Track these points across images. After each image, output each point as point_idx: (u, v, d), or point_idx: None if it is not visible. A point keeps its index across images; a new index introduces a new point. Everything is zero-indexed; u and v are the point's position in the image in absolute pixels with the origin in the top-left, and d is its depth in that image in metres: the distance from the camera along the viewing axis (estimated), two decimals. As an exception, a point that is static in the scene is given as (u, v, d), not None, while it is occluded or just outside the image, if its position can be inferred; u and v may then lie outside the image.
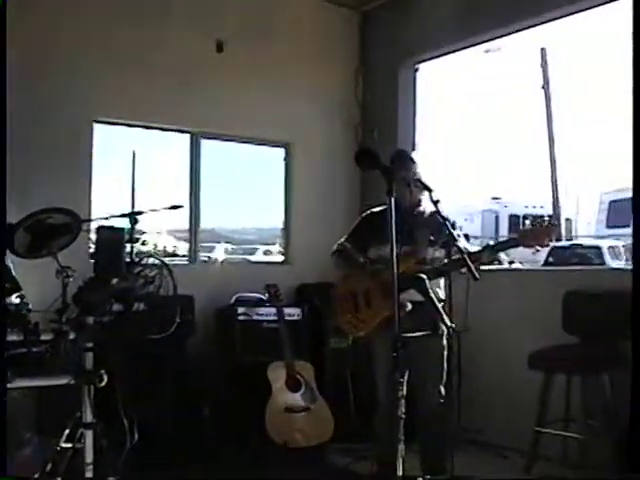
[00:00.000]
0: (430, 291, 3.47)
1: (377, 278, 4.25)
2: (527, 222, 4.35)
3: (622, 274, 6.62)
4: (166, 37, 6.77)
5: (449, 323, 3.53)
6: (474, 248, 4.39)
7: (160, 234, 10.77)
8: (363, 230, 4.56)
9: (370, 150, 3.36)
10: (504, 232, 22.83)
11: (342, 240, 4.64)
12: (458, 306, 4.35)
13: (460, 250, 3.93)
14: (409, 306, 4.01)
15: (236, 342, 6.56)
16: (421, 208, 4.48)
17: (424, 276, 3.52)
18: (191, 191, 7.14)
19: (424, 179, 4.29)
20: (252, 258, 11.04)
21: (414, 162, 4.39)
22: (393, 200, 3.24)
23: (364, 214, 4.65)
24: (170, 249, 10.52)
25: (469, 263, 3.78)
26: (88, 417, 4.24)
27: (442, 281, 4.41)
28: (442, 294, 4.36)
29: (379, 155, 3.29)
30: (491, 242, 4.37)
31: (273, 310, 6.40)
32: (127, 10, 6.55)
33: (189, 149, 7.16)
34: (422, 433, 4.47)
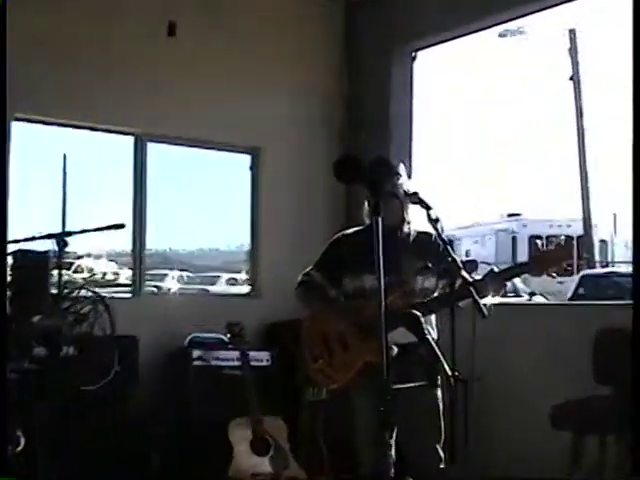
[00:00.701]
0: (426, 331, 3.46)
1: (354, 316, 4.24)
2: (538, 242, 4.38)
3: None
4: (105, 17, 6.77)
5: (450, 371, 3.51)
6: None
7: (99, 259, 10.75)
8: (334, 257, 4.54)
9: (352, 159, 3.34)
10: (524, 257, 22.85)
11: (309, 269, 4.63)
12: (463, 350, 4.32)
13: (466, 281, 3.92)
14: (395, 350, 3.98)
15: (190, 394, 6.54)
16: (406, 228, 4.48)
17: (417, 312, 3.51)
18: (135, 206, 7.13)
19: (419, 193, 4.28)
20: (213, 289, 11.05)
21: (397, 173, 4.39)
22: (380, 220, 3.22)
23: (334, 237, 4.64)
24: (111, 277, 10.49)
25: (476, 296, 3.77)
26: (7, 433, 4.17)
27: (434, 318, 4.41)
28: (435, 334, 4.36)
29: (363, 165, 3.28)
30: (495, 268, 4.36)
31: (236, 354, 6.39)
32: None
33: (133, 155, 7.15)
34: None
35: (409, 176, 4.54)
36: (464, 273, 4.10)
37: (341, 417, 4.68)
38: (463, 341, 4.03)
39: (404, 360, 3.91)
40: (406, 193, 4.30)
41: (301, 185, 7.82)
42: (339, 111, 8.04)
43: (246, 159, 7.82)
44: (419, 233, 4.38)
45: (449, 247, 4.03)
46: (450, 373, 3.52)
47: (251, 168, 7.82)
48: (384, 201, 4.06)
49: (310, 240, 7.40)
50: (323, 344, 4.37)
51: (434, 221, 4.10)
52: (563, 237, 4.18)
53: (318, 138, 7.88)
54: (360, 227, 4.48)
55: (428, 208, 4.17)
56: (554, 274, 4.08)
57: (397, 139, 7.65)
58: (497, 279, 4.16)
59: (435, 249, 4.19)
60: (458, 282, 3.96)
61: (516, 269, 4.35)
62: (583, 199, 21.50)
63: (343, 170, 3.34)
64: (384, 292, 3.98)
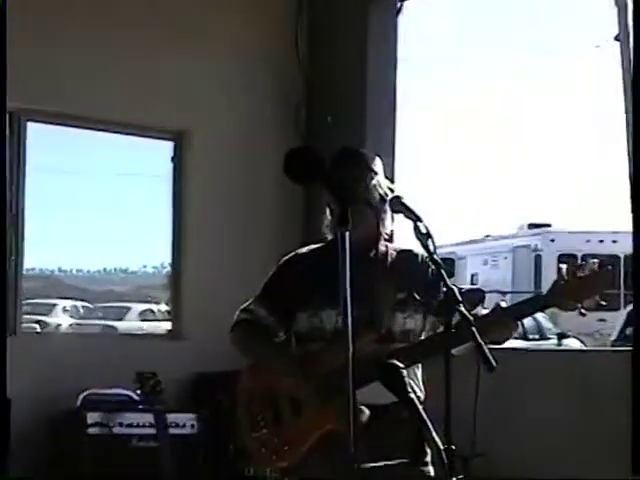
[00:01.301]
0: (409, 387, 3.46)
1: (310, 367, 4.22)
2: (562, 267, 4.33)
3: None
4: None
5: (441, 444, 3.52)
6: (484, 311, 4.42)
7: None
8: (284, 285, 4.51)
9: (309, 151, 3.34)
10: (549, 280, 22.94)
11: (249, 303, 4.60)
12: (461, 414, 4.34)
13: (466, 318, 3.92)
14: (366, 414, 3.99)
15: (83, 473, 6.51)
16: (383, 246, 4.47)
17: (397, 363, 3.50)
18: (10, 207, 7.09)
19: (403, 198, 4.28)
20: (120, 325, 11.04)
21: (372, 170, 4.37)
22: (347, 235, 3.22)
23: (285, 259, 4.61)
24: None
25: (480, 340, 3.78)
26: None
27: (420, 371, 4.42)
28: (421, 392, 4.37)
29: (324, 158, 3.27)
30: (503, 303, 4.36)
31: (150, 417, 6.35)
32: None
33: (8, 137, 7.12)
34: None
35: (389, 175, 4.54)
36: (463, 308, 4.12)
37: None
38: (461, 402, 4.06)
39: (379, 428, 3.93)
40: (383, 198, 4.29)
41: (242, 184, 7.87)
42: (294, 85, 8.09)
43: (168, 147, 7.88)
44: (401, 252, 4.34)
45: (443, 271, 4.03)
46: (442, 446, 3.53)
47: (173, 159, 7.87)
48: (353, 209, 4.04)
49: (253, 260, 7.48)
50: (268, 407, 4.36)
51: (424, 236, 4.08)
52: (596, 260, 4.15)
53: (265, 122, 7.95)
54: (320, 244, 4.47)
55: (416, 219, 4.16)
56: (583, 310, 4.07)
57: (375, 123, 7.69)
58: (507, 316, 4.16)
59: (423, 274, 4.17)
60: (455, 320, 3.95)
61: (533, 303, 4.29)
62: (634, 204, 21.64)
63: (298, 166, 3.32)
64: (352, 334, 4.05)
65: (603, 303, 4.09)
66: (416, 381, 4.34)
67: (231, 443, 6.52)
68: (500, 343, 4.13)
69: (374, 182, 4.33)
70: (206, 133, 7.81)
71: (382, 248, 4.41)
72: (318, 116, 7.96)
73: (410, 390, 3.51)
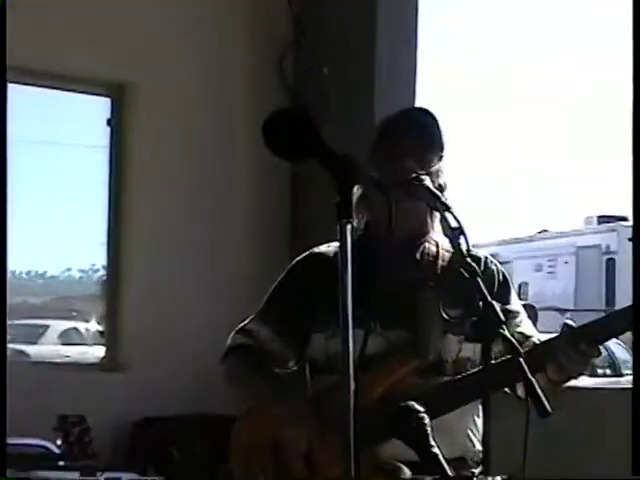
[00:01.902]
0: (432, 441, 3.49)
1: (328, 411, 4.23)
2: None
3: None
4: None
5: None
6: (547, 336, 4.44)
7: None
8: (295, 298, 4.53)
9: (295, 112, 3.38)
10: (627, 291, 23.00)
11: (248, 322, 4.62)
12: (505, 468, 4.40)
13: (513, 346, 3.96)
14: (407, 473, 4.04)
15: None
16: (432, 247, 4.48)
17: (416, 405, 3.53)
18: None
19: (430, 183, 4.29)
20: (35, 351, 11.09)
21: (441, 146, 4.36)
22: (353, 229, 3.26)
23: (298, 259, 4.61)
24: None
25: (531, 378, 3.83)
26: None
27: (480, 409, 4.44)
28: (477, 441, 4.40)
29: (317, 123, 3.30)
30: (572, 322, 4.39)
31: (76, 476, 6.41)
32: None
33: None
34: None
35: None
36: (507, 331, 4.14)
37: None
38: (505, 453, 4.11)
39: None
40: (417, 183, 4.31)
41: (206, 157, 7.90)
42: (279, 24, 8.13)
43: (102, 105, 7.93)
44: (454, 259, 4.30)
45: (480, 280, 4.06)
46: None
47: (109, 122, 7.92)
48: (382, 195, 4.09)
49: (224, 261, 7.52)
50: (274, 462, 4.41)
51: (455, 231, 4.13)
52: None
53: (240, 72, 8.03)
54: (356, 236, 4.42)
55: (445, 208, 4.20)
56: None
57: (388, 81, 7.68)
58: (578, 341, 4.19)
59: (487, 285, 4.16)
60: (496, 349, 3.98)
61: (617, 321, 4.33)
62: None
63: (284, 135, 3.37)
64: (390, 361, 4.15)
65: None
66: (474, 420, 4.38)
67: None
68: (571, 379, 4.19)
69: (429, 161, 4.31)
70: (156, 87, 7.86)
71: (432, 248, 4.42)
72: (310, 66, 7.97)
73: (432, 443, 3.56)
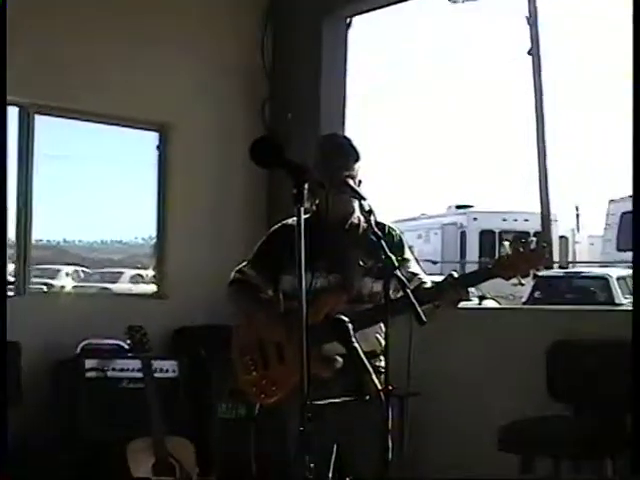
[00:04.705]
0: (354, 340, 3.45)
1: (293, 322, 4.19)
2: (506, 243, 4.33)
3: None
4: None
5: (379, 385, 3.51)
6: (432, 278, 4.41)
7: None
8: (272, 251, 4.49)
9: (271, 140, 3.33)
10: (473, 255, 23.09)
11: (242, 265, 4.58)
12: (399, 360, 4.32)
13: (401, 282, 3.89)
14: (339, 361, 4.01)
15: (81, 409, 6.47)
16: (354, 219, 4.46)
17: (344, 318, 3.50)
18: (20, 187, 7.03)
19: (352, 181, 4.26)
20: (114, 287, 10.97)
21: (357, 157, 4.35)
22: (304, 210, 3.22)
23: (274, 228, 4.59)
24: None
25: (412, 299, 3.76)
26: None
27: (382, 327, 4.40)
28: (382, 340, 4.34)
29: (282, 146, 3.26)
30: (454, 272, 4.34)
31: (137, 364, 6.32)
32: None
33: (17, 128, 7.05)
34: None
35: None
36: (414, 270, 4.31)
37: (273, 436, 4.70)
38: (399, 351, 4.04)
39: (349, 373, 3.91)
40: (340, 180, 4.28)
41: (217, 168, 7.84)
42: (261, 86, 8.05)
43: (153, 137, 7.81)
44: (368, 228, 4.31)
45: (383, 242, 4.01)
46: (380, 387, 3.52)
47: (158, 147, 7.82)
48: (330, 191, 4.16)
49: (225, 234, 7.46)
50: (258, 353, 4.36)
51: (367, 213, 4.09)
52: (533, 238, 4.17)
53: (237, 115, 7.91)
54: (306, 215, 4.43)
55: (360, 198, 4.16)
56: (523, 280, 4.09)
57: (328, 119, 7.66)
58: (459, 285, 4.14)
59: (388, 244, 4.15)
60: (393, 284, 3.94)
61: (483, 273, 4.24)
62: (541, 189, 21.66)
63: (261, 152, 3.33)
64: (326, 295, 4.15)
65: (539, 274, 4.12)
66: (379, 333, 4.32)
67: (221, 383, 6.49)
68: (454, 307, 4.15)
69: (351, 167, 4.31)
70: (185, 125, 7.75)
71: (355, 221, 4.41)
72: (280, 113, 7.92)
73: (355, 342, 3.51)
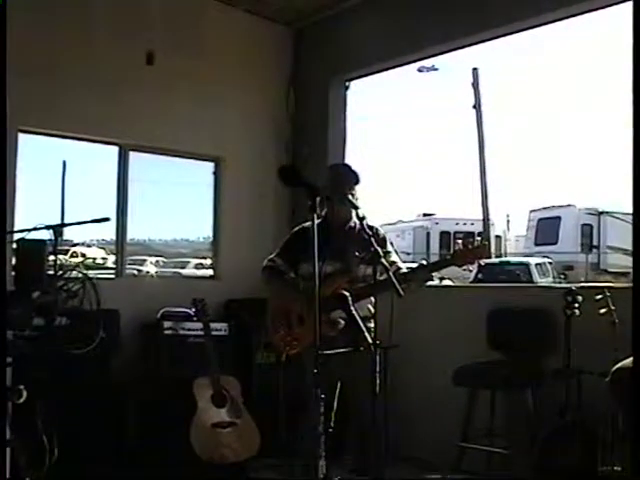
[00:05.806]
0: (352, 308, 3.49)
1: (310, 296, 4.22)
2: (459, 241, 4.40)
3: (548, 291, 6.78)
4: (94, 47, 6.66)
5: (369, 340, 3.54)
6: (406, 265, 4.48)
7: (90, 246, 10.63)
8: (294, 245, 4.53)
9: (292, 167, 3.39)
10: (435, 249, 23.04)
11: (272, 256, 4.61)
12: (384, 323, 4.34)
13: (385, 267, 3.92)
14: (342, 323, 4.05)
15: (161, 357, 6.46)
16: (352, 223, 4.47)
17: (346, 293, 3.55)
18: (119, 204, 7.04)
19: (351, 197, 4.28)
20: (183, 272, 10.93)
21: (357, 180, 4.37)
22: (316, 217, 3.27)
23: (295, 229, 4.62)
24: (100, 261, 10.38)
25: (393, 279, 3.78)
26: (6, 434, 4.11)
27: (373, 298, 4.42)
28: (372, 308, 4.37)
29: (300, 171, 3.31)
30: (424, 261, 4.39)
31: (200, 325, 6.32)
32: (53, 18, 6.44)
33: (117, 161, 7.07)
34: (356, 449, 4.50)
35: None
36: (394, 258, 4.38)
37: (292, 377, 4.73)
38: (384, 316, 4.07)
39: (349, 331, 3.94)
40: (341, 196, 4.30)
41: (254, 189, 7.76)
42: (286, 128, 8.00)
43: (210, 166, 7.76)
44: (366, 227, 4.32)
45: (373, 240, 4.03)
46: (370, 341, 3.56)
47: (214, 173, 7.77)
48: (331, 201, 4.19)
49: (261, 234, 7.45)
50: (284, 318, 4.39)
51: (361, 219, 4.12)
52: (478, 237, 4.24)
53: (269, 150, 7.84)
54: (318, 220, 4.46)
55: (355, 208, 4.20)
56: (470, 268, 4.17)
57: (333, 153, 7.64)
58: (426, 270, 4.21)
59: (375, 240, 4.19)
60: (379, 269, 3.96)
61: (443, 262, 4.35)
62: (483, 202, 21.74)
63: (285, 175, 3.39)
64: (332, 278, 4.19)
65: (481, 262, 4.18)
66: (370, 303, 4.33)
67: (257, 338, 6.58)
68: (422, 286, 4.24)
69: (351, 186, 4.34)
70: (233, 158, 7.72)
71: (352, 224, 4.43)
72: (299, 148, 7.91)
73: (353, 310, 3.55)
